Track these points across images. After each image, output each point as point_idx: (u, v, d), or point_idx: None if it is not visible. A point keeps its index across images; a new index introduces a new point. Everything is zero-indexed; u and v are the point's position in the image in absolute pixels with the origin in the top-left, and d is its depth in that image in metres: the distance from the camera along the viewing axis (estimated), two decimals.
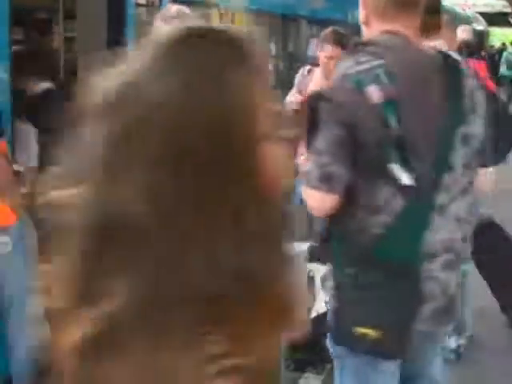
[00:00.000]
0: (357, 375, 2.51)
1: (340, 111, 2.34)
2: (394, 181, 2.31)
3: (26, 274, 3.74)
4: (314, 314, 4.46)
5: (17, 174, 3.67)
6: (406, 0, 2.46)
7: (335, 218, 2.46)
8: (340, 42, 5.09)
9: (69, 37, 6.38)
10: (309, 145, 2.44)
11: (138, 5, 5.76)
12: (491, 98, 5.86)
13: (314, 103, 2.44)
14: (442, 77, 2.45)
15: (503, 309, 5.40)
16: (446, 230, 2.44)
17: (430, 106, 2.40)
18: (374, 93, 2.31)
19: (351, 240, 2.43)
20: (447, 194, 2.43)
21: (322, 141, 2.37)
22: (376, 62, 2.36)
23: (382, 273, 2.35)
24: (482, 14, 25.05)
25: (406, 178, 2.30)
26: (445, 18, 5.12)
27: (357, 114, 2.31)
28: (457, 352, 5.04)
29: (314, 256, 2.70)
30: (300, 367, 4.75)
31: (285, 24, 9.10)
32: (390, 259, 2.36)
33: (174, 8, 4.71)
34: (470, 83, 2.52)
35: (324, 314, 4.59)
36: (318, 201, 2.43)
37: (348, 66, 2.41)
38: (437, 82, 2.43)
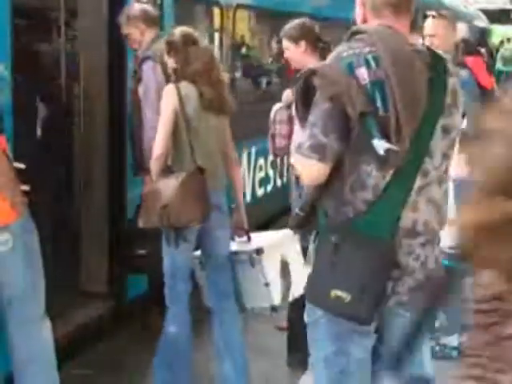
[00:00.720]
0: (331, 336, 2.71)
1: (332, 87, 2.53)
2: (376, 158, 2.52)
3: (27, 271, 3.75)
4: (290, 298, 4.59)
5: (17, 171, 3.67)
6: (398, 3, 2.73)
7: (323, 191, 2.66)
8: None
9: (70, 36, 6.37)
10: (303, 117, 2.65)
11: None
12: (488, 93, 5.99)
13: (308, 79, 2.61)
14: (428, 71, 2.66)
15: None
16: (428, 213, 2.67)
17: (415, 93, 2.59)
18: (363, 74, 2.56)
19: (336, 211, 2.64)
20: (425, 177, 2.66)
21: (314, 114, 2.58)
22: (367, 49, 2.60)
23: (360, 243, 2.58)
24: (484, 11, 25.01)
25: (382, 150, 2.49)
26: (443, 16, 5.16)
27: (347, 90, 2.51)
28: (458, 350, 5.05)
29: (298, 224, 2.80)
30: None
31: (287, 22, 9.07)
32: (368, 232, 2.58)
33: (138, 6, 4.67)
34: (453, 81, 2.75)
35: (302, 297, 4.70)
36: (309, 169, 2.62)
37: (341, 50, 2.65)
38: (423, 74, 2.63)
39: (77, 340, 4.95)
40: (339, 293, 2.56)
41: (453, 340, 5.16)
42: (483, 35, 21.27)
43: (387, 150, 2.49)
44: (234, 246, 4.57)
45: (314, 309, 2.72)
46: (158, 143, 4.18)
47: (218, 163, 4.38)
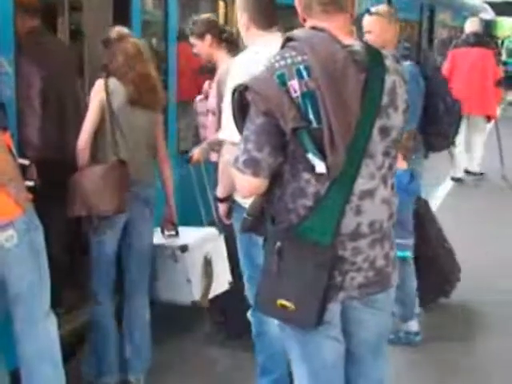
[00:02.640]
0: (298, 339, 2.81)
1: (264, 102, 2.55)
2: (312, 168, 2.58)
3: (32, 268, 3.74)
4: (211, 295, 4.81)
5: (22, 167, 3.66)
6: (329, 1, 2.72)
7: (266, 199, 2.74)
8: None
9: (74, 29, 6.36)
10: (239, 131, 2.68)
11: None
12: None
13: (242, 93, 2.63)
14: (363, 72, 2.65)
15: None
16: (373, 213, 2.73)
17: (347, 99, 2.58)
18: (295, 86, 2.56)
19: (281, 218, 2.70)
20: (373, 180, 2.71)
21: (248, 128, 2.61)
22: (299, 58, 2.59)
23: (300, 249, 2.63)
24: (491, 4, 24.97)
25: (319, 167, 2.55)
26: (379, 13, 5.23)
27: (279, 106, 2.53)
28: (419, 334, 5.40)
29: (248, 228, 2.89)
30: None
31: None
32: (308, 238, 2.62)
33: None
34: (391, 79, 2.73)
35: (225, 293, 4.90)
36: (244, 183, 2.67)
37: (274, 61, 2.63)
38: (356, 78, 2.62)
39: (83, 337, 4.93)
40: (284, 301, 2.64)
41: (413, 325, 5.41)
42: (489, 28, 21.25)
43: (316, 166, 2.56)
44: (160, 239, 4.74)
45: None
46: (82, 136, 4.34)
47: (143, 157, 4.51)
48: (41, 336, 3.84)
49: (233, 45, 5.48)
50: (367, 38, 5.25)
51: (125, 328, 4.71)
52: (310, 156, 2.55)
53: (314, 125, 2.56)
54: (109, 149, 4.35)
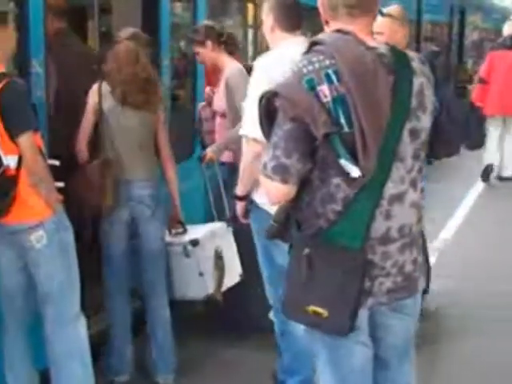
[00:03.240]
0: (326, 344, 2.77)
1: (293, 108, 2.52)
2: (343, 173, 2.54)
3: (62, 268, 3.76)
4: (224, 288, 4.84)
5: (52, 168, 3.68)
6: (356, 4, 2.69)
7: (293, 205, 2.71)
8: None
9: (103, 31, 6.38)
10: (267, 137, 2.65)
11: None
12: None
13: (270, 99, 2.60)
14: (391, 74, 2.63)
15: None
16: (403, 217, 2.70)
17: (378, 101, 2.56)
18: (325, 91, 2.53)
19: (309, 224, 2.67)
20: (402, 183, 2.68)
21: (277, 135, 2.58)
22: (327, 62, 2.56)
23: (331, 254, 2.61)
24: None
25: (353, 172, 2.52)
26: (390, 14, 5.20)
27: (309, 111, 2.50)
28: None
29: (275, 234, 2.88)
30: None
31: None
32: (338, 243, 2.60)
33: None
34: (419, 81, 2.72)
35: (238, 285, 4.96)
36: (272, 190, 2.65)
37: (301, 66, 2.60)
38: (386, 80, 2.60)
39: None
40: (316, 308, 2.60)
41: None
42: None
43: (350, 171, 2.53)
44: (168, 238, 4.79)
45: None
46: (78, 137, 4.45)
47: (134, 157, 4.54)
48: (70, 336, 3.86)
49: (233, 46, 5.68)
50: (376, 38, 5.21)
51: (148, 329, 4.76)
52: (343, 161, 2.52)
53: (346, 129, 2.53)
54: (100, 149, 4.45)
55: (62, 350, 3.85)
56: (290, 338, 4.20)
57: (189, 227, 4.86)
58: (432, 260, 7.11)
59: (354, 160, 2.52)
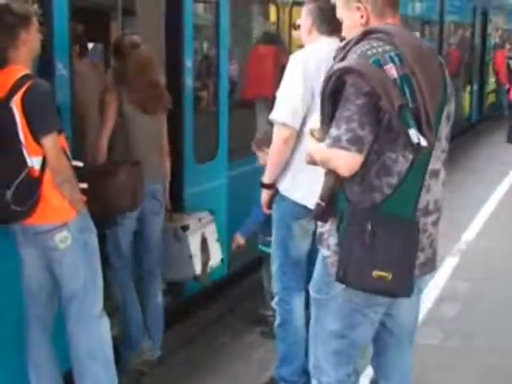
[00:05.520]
0: (343, 312, 2.99)
1: (369, 82, 2.70)
2: (406, 145, 2.74)
3: (86, 269, 3.78)
4: (208, 270, 5.22)
5: (76, 169, 3.70)
6: (396, 1, 3.01)
7: (345, 180, 2.84)
8: None
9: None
10: (325, 114, 2.84)
11: (196, 0, 5.77)
12: None
13: (340, 76, 2.77)
14: (436, 60, 2.95)
15: None
16: (437, 192, 2.96)
17: (434, 85, 2.83)
18: (391, 70, 2.74)
19: (361, 197, 2.84)
20: (438, 161, 2.94)
21: (349, 109, 2.73)
22: (387, 47, 2.78)
23: (392, 225, 2.80)
24: None
25: (422, 141, 2.70)
26: None
27: (383, 85, 2.69)
28: None
29: (321, 214, 2.95)
30: None
31: None
32: (397, 214, 2.81)
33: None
34: (447, 71, 3.01)
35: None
36: (348, 160, 2.75)
37: (365, 49, 2.79)
38: (434, 63, 2.91)
39: None
40: (381, 272, 2.78)
41: None
42: None
43: (419, 141, 2.70)
44: None
45: (330, 287, 2.97)
46: (98, 142, 4.54)
47: (154, 158, 4.75)
48: (93, 335, 3.88)
49: None
50: None
51: (143, 313, 4.91)
52: (412, 131, 2.69)
53: (410, 104, 2.73)
54: (123, 152, 4.60)
55: (84, 348, 3.87)
56: (291, 328, 4.36)
57: (176, 215, 5.19)
58: (454, 261, 7.11)
59: (420, 132, 2.73)
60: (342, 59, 2.85)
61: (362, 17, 2.98)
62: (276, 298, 4.43)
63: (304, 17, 4.29)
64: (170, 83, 5.33)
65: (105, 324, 3.94)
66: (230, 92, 6.22)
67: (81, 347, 3.87)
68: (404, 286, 2.84)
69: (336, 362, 3.09)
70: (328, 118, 2.83)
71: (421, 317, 5.76)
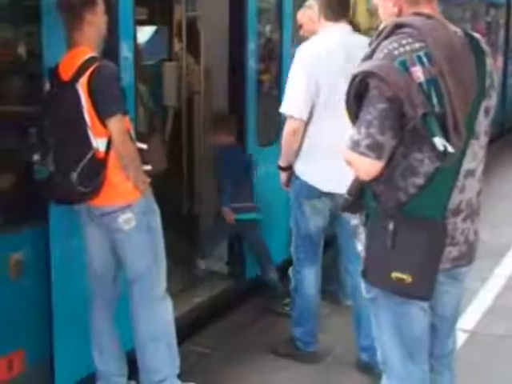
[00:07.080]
0: (390, 310, 2.93)
1: (391, 88, 2.59)
2: (431, 149, 2.61)
3: (149, 250, 3.81)
4: None
5: (140, 151, 3.71)
6: None
7: (375, 179, 2.77)
8: None
9: (190, 16, 6.42)
10: (357, 116, 2.73)
11: None
12: None
13: (363, 79, 2.68)
14: (470, 55, 2.76)
15: None
16: (472, 191, 2.87)
17: (466, 84, 2.68)
18: (417, 73, 2.62)
19: (387, 196, 2.79)
20: (475, 159, 2.85)
21: (370, 113, 2.65)
22: (417, 45, 2.65)
23: (415, 226, 2.72)
24: None
25: (449, 148, 2.58)
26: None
27: (407, 91, 2.58)
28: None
29: (349, 208, 2.98)
30: None
31: None
32: (421, 215, 2.74)
33: None
34: (490, 62, 2.86)
35: None
36: (367, 166, 2.71)
37: (392, 48, 2.67)
38: (470, 62, 2.74)
39: (197, 318, 5.02)
40: (400, 274, 2.72)
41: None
42: None
43: (445, 148, 2.59)
44: None
45: (370, 287, 2.94)
46: None
47: None
48: (156, 316, 3.90)
49: None
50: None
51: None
52: (437, 139, 2.59)
53: (437, 109, 2.62)
54: None
55: (147, 329, 3.90)
56: (302, 296, 4.73)
57: None
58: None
59: (445, 138, 2.62)
60: (373, 52, 2.76)
61: (393, 4, 2.87)
62: (292, 267, 4.82)
63: (316, 4, 4.60)
64: (233, 66, 5.33)
65: (167, 306, 3.97)
66: None
67: (143, 328, 3.91)
68: (424, 289, 2.77)
69: (400, 355, 3.02)
70: (355, 117, 2.76)
71: (485, 305, 5.75)
